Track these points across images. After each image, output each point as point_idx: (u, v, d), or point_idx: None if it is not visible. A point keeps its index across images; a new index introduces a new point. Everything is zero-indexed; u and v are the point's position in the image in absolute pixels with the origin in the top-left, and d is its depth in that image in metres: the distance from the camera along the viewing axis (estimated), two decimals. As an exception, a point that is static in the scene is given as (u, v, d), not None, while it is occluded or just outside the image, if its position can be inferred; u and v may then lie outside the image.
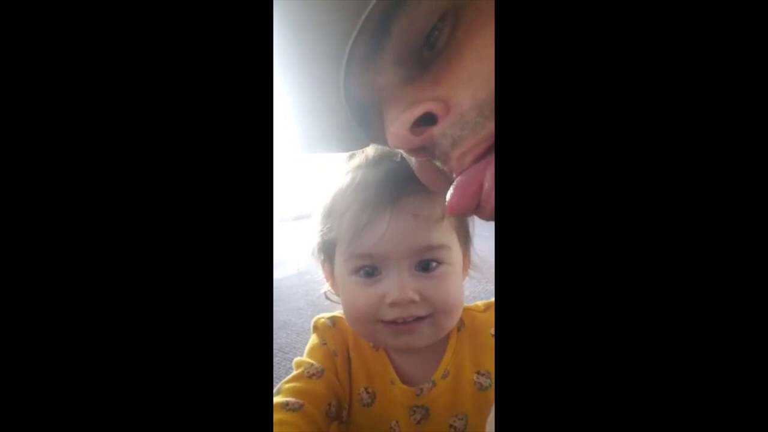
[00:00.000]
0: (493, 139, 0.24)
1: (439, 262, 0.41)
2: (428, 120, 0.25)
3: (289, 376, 0.44)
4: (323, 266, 0.47)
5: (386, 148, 0.40)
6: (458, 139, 0.25)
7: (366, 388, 0.46)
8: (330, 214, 0.43)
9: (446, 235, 0.41)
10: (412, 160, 0.31)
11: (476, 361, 0.46)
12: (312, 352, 0.46)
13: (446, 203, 0.27)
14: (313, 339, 0.48)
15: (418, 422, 0.45)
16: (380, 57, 0.25)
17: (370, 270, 0.41)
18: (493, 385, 0.45)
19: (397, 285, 0.40)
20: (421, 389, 0.45)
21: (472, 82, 0.24)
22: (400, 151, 0.32)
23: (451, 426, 0.45)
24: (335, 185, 0.44)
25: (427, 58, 0.25)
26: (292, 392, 0.42)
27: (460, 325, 0.48)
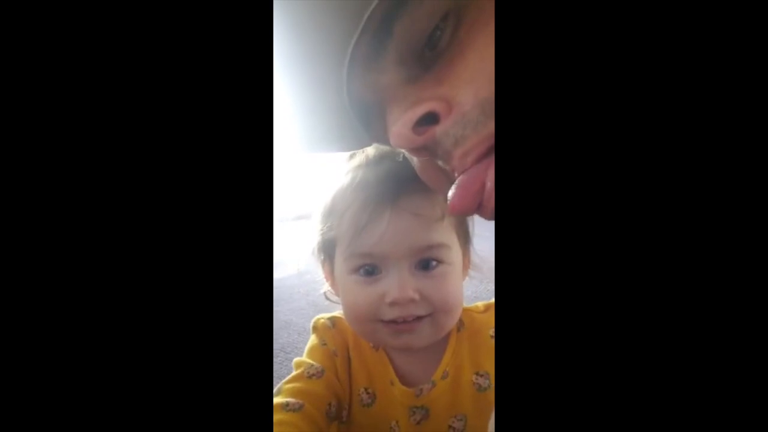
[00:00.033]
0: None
1: (439, 262, 0.41)
2: (430, 119, 0.25)
3: (289, 377, 0.44)
4: (323, 266, 0.47)
5: (387, 148, 0.40)
6: (460, 138, 0.25)
7: (366, 389, 0.46)
8: (330, 213, 0.43)
9: (446, 235, 0.41)
10: (414, 160, 0.31)
11: (475, 362, 0.46)
12: (312, 353, 0.46)
13: (448, 202, 0.27)
14: (313, 339, 0.48)
15: (418, 423, 0.45)
16: (382, 57, 0.25)
17: (370, 269, 0.41)
18: (492, 386, 0.45)
19: (397, 284, 0.40)
20: (421, 390, 0.45)
21: (474, 81, 0.24)
22: (402, 150, 0.32)
23: (450, 427, 0.45)
24: (335, 184, 0.44)
25: (429, 57, 0.25)
26: (292, 392, 0.42)
27: (460, 325, 0.48)
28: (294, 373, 0.45)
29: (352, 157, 0.44)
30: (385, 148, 0.41)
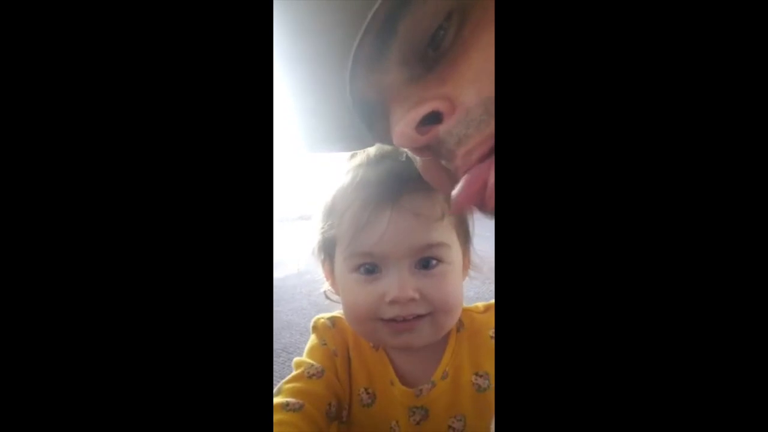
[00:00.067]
0: None
1: (439, 261, 0.41)
2: (434, 119, 0.25)
3: (289, 377, 0.44)
4: (323, 265, 0.47)
5: (388, 148, 0.40)
6: (464, 138, 0.25)
7: (366, 389, 0.46)
8: (331, 212, 0.43)
9: (446, 234, 0.42)
10: (417, 160, 0.31)
11: (475, 362, 0.46)
12: (312, 353, 0.46)
13: (451, 201, 0.27)
14: (313, 339, 0.48)
15: (418, 423, 0.45)
16: (385, 57, 0.25)
17: (370, 268, 0.41)
18: (492, 386, 0.45)
19: (397, 283, 0.40)
20: (421, 390, 0.45)
21: (477, 80, 0.24)
22: (405, 150, 0.32)
23: (450, 427, 0.45)
24: (336, 184, 0.44)
25: (432, 57, 0.25)
26: (293, 392, 0.42)
27: (459, 326, 0.48)
28: (294, 373, 0.45)
29: (353, 156, 0.44)
30: (386, 147, 0.41)
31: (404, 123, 0.25)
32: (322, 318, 0.49)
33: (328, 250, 0.45)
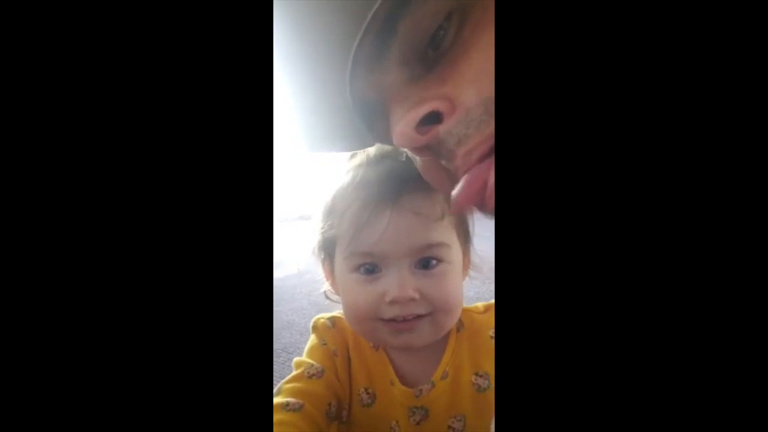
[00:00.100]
0: None
1: (439, 261, 0.41)
2: (433, 119, 0.25)
3: (289, 377, 0.44)
4: (323, 265, 0.47)
5: (388, 147, 0.40)
6: (464, 137, 0.25)
7: (366, 389, 0.46)
8: (331, 212, 0.43)
9: (446, 234, 0.42)
10: (417, 159, 0.31)
11: (475, 362, 0.46)
12: (312, 353, 0.46)
13: (452, 200, 0.27)
14: (313, 339, 0.48)
15: (418, 423, 0.45)
16: (385, 57, 0.25)
17: (370, 268, 0.41)
18: (492, 386, 0.45)
19: (397, 283, 0.40)
20: (421, 390, 0.45)
21: (477, 80, 0.24)
22: (405, 150, 0.32)
23: (449, 427, 0.45)
24: (336, 183, 0.44)
25: (432, 57, 0.25)
26: (292, 392, 0.42)
27: (459, 326, 0.48)
28: (294, 373, 0.45)
29: (352, 156, 0.44)
30: (386, 147, 0.41)
31: (404, 123, 0.25)
32: (322, 318, 0.49)
33: (328, 249, 0.45)
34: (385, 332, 0.42)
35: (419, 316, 0.41)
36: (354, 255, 0.41)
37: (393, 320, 0.41)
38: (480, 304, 0.50)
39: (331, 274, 0.47)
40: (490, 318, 0.48)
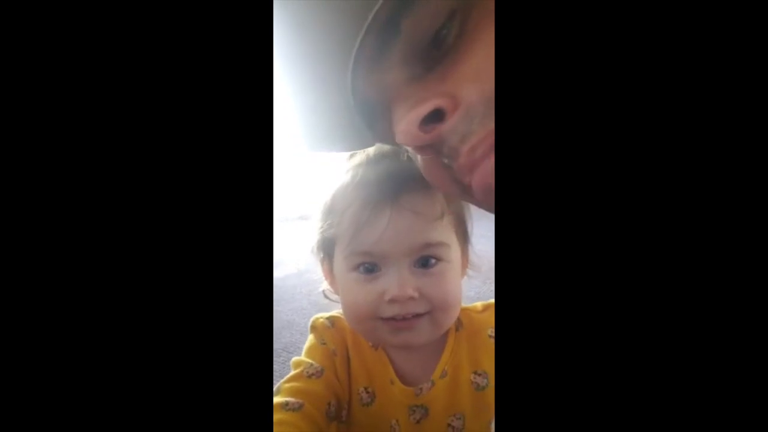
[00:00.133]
0: None
1: (438, 260, 0.41)
2: (436, 117, 0.25)
3: (288, 376, 0.44)
4: (322, 264, 0.47)
5: (387, 147, 0.41)
6: (467, 134, 0.25)
7: (366, 388, 0.46)
8: (330, 211, 0.43)
9: (445, 233, 0.42)
10: (419, 158, 0.31)
11: (474, 361, 0.46)
12: (311, 352, 0.46)
13: (474, 182, 0.27)
14: (312, 339, 0.48)
15: (418, 422, 0.45)
16: (388, 56, 0.25)
17: (369, 267, 0.41)
18: (490, 385, 0.46)
19: (397, 282, 0.40)
20: (421, 389, 0.45)
21: (480, 77, 0.24)
22: (406, 149, 0.32)
23: (449, 425, 0.45)
24: (336, 183, 0.44)
25: (434, 56, 0.25)
26: (292, 392, 0.42)
27: (458, 325, 0.48)
28: (293, 372, 0.45)
29: (352, 156, 0.45)
30: (385, 147, 0.41)
31: (407, 121, 0.25)
32: (321, 317, 0.49)
33: (327, 249, 0.45)
34: (385, 331, 0.42)
35: (418, 315, 0.41)
36: (353, 254, 0.41)
37: (392, 319, 0.41)
38: (479, 304, 0.50)
39: (330, 273, 0.47)
40: (489, 317, 0.48)
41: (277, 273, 2.18)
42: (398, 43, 0.24)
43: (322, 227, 0.44)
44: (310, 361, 0.45)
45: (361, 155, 0.44)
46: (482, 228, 0.49)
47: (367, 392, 0.46)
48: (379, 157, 0.43)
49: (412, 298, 0.40)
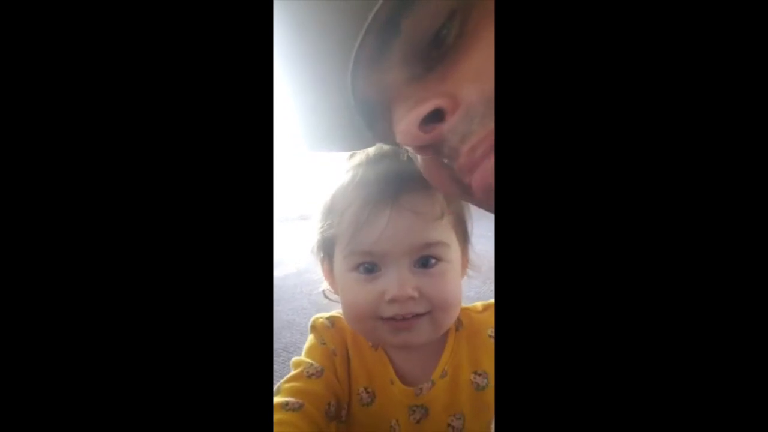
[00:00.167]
0: None
1: (438, 260, 0.41)
2: (437, 116, 0.25)
3: (288, 376, 0.44)
4: (322, 264, 0.47)
5: (387, 147, 0.41)
6: (467, 134, 0.25)
7: (365, 388, 0.46)
8: (330, 211, 0.43)
9: (445, 233, 0.42)
10: (419, 158, 0.31)
11: (474, 361, 0.46)
12: (311, 352, 0.46)
13: (473, 182, 0.27)
14: (311, 339, 0.48)
15: (418, 421, 0.45)
16: (387, 56, 0.25)
17: (369, 267, 0.41)
18: (490, 385, 0.46)
19: (397, 281, 0.40)
20: (421, 389, 0.45)
21: (480, 77, 0.24)
22: (406, 149, 0.32)
23: (449, 425, 0.45)
24: (336, 183, 0.44)
25: (435, 56, 0.25)
26: (292, 392, 0.42)
27: (458, 325, 0.48)
28: (293, 372, 0.45)
29: (352, 156, 0.45)
30: (385, 147, 0.41)
31: (408, 121, 0.26)
32: (321, 317, 0.49)
33: (327, 249, 0.45)
34: (385, 331, 0.42)
35: (418, 315, 0.41)
36: (353, 254, 0.41)
37: (392, 319, 0.41)
38: (479, 304, 0.50)
39: (329, 273, 0.47)
40: (489, 317, 0.48)
41: (277, 273, 2.18)
42: (398, 43, 0.24)
43: (322, 227, 0.44)
44: (310, 361, 0.45)
45: (361, 155, 0.44)
46: (482, 228, 0.49)
47: (367, 392, 0.46)
48: (379, 157, 0.43)
49: (412, 298, 0.40)
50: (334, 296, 0.48)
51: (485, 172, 0.25)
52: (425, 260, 0.41)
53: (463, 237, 0.45)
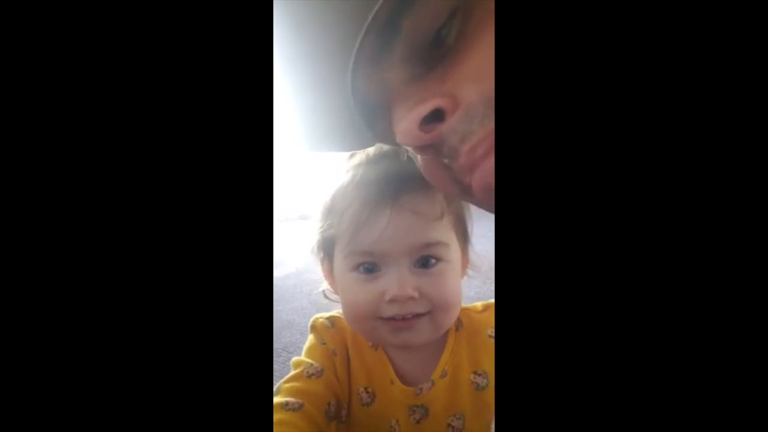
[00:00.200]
0: None
1: (438, 260, 0.41)
2: (437, 116, 0.25)
3: (288, 376, 0.44)
4: (322, 264, 0.47)
5: (387, 147, 0.41)
6: (467, 134, 0.25)
7: (365, 388, 0.46)
8: (330, 211, 0.43)
9: (445, 233, 0.42)
10: (419, 158, 0.31)
11: (474, 361, 0.46)
12: (310, 352, 0.46)
13: (473, 182, 0.27)
14: (311, 339, 0.48)
15: (418, 421, 0.45)
16: (388, 56, 0.25)
17: (369, 267, 0.41)
18: (490, 385, 0.46)
19: (397, 281, 0.40)
20: (421, 389, 0.45)
21: (480, 77, 0.24)
22: (406, 149, 0.32)
23: (449, 425, 0.45)
24: (336, 183, 0.44)
25: (435, 55, 0.25)
26: (292, 392, 0.42)
27: (458, 325, 0.48)
28: (293, 372, 0.45)
29: (352, 156, 0.45)
30: (385, 147, 0.41)
31: (408, 121, 0.26)
32: (321, 317, 0.49)
33: (327, 249, 0.46)
34: (385, 331, 0.42)
35: (418, 315, 0.41)
36: (353, 254, 0.41)
37: (392, 319, 0.41)
38: (479, 304, 0.50)
39: (329, 273, 0.47)
40: (489, 317, 0.48)
41: (277, 273, 2.18)
42: (398, 42, 0.24)
43: (322, 227, 0.44)
44: (310, 361, 0.45)
45: (361, 155, 0.44)
46: (482, 228, 0.49)
47: (367, 392, 0.46)
48: (379, 157, 0.43)
49: (412, 298, 0.40)
50: (334, 296, 0.48)
51: (485, 172, 0.25)
52: (425, 260, 0.41)
53: (463, 237, 0.45)
